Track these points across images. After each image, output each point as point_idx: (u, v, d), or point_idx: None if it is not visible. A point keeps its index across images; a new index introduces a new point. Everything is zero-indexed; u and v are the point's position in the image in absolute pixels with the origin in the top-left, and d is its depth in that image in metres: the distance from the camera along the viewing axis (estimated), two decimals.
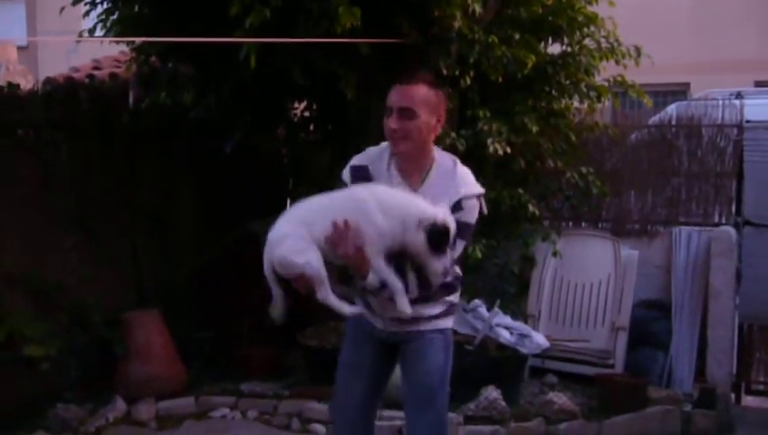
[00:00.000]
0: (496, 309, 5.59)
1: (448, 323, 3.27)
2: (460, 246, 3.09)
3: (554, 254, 6.15)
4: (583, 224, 6.77)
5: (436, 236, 2.90)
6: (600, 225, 6.76)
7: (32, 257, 5.62)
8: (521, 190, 5.63)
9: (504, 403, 5.21)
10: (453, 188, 3.07)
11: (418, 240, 2.90)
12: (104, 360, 5.82)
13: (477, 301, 5.60)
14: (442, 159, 3.16)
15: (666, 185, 6.75)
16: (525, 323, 5.83)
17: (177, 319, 6.05)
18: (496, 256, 5.96)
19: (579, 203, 6.41)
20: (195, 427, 5.44)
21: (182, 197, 6.79)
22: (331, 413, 3.55)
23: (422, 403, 3.19)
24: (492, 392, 5.22)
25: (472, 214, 3.08)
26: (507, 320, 5.64)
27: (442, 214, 2.92)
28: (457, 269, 3.21)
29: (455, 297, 3.25)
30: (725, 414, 5.48)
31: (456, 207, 3.03)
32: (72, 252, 5.93)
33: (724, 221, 6.41)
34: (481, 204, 3.13)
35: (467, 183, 3.10)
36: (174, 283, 6.40)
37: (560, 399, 5.35)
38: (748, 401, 6.36)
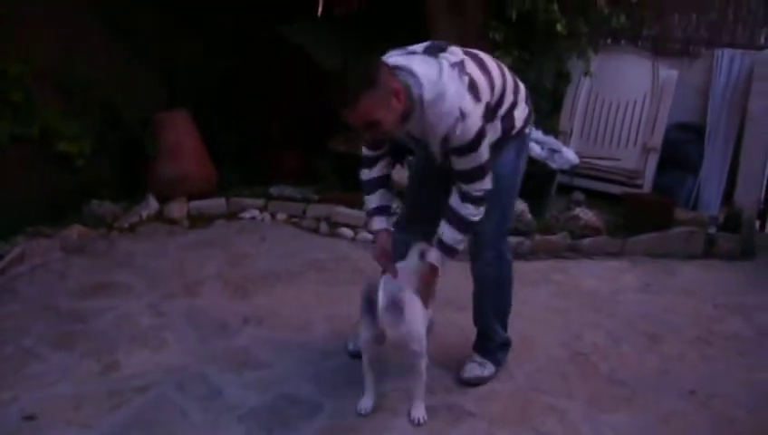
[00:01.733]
0: None
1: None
2: (477, 155, 3.01)
3: (586, 73, 6.04)
4: (622, 41, 6.59)
5: None
6: (639, 43, 6.57)
7: (62, 54, 5.56)
8: (555, 6, 5.46)
9: (530, 216, 5.26)
10: (431, 130, 2.98)
11: None
12: (136, 159, 5.91)
13: None
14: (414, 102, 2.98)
15: (711, 5, 6.49)
16: (557, 139, 5.78)
17: (207, 121, 6.07)
18: (530, 71, 5.84)
19: (618, 19, 6.18)
20: (225, 227, 5.58)
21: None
22: (404, 207, 3.79)
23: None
24: (519, 205, 5.25)
25: (465, 133, 2.93)
26: (539, 135, 5.58)
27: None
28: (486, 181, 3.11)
29: None
30: (749, 239, 5.49)
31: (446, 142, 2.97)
32: (103, 49, 5.89)
33: None
34: (464, 111, 2.92)
35: (440, 119, 2.93)
36: (205, 84, 6.38)
37: (586, 215, 5.38)
38: None
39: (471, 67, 3.01)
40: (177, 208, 5.67)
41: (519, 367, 3.72)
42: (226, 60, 6.57)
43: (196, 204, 5.75)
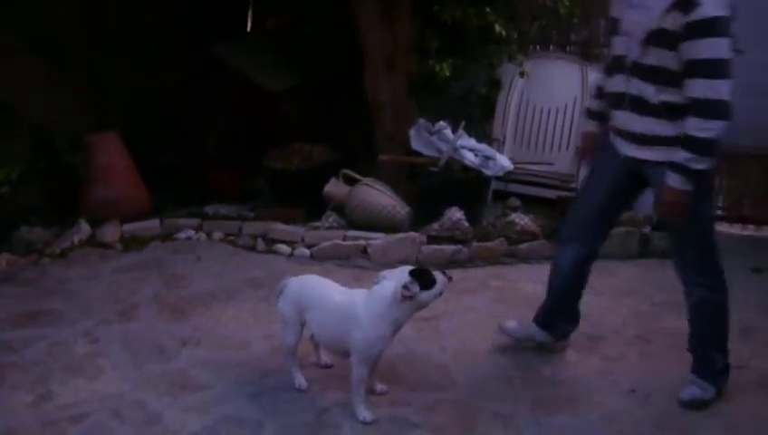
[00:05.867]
0: (461, 131, 5.55)
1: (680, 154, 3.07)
2: (705, 46, 2.92)
3: (522, 74, 6.09)
4: (551, 47, 6.67)
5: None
6: (568, 48, 6.65)
7: None
8: (488, 9, 5.53)
9: (467, 224, 5.27)
10: None
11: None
12: (67, 183, 5.78)
13: (442, 123, 5.55)
14: None
15: None
16: (490, 146, 5.81)
17: (139, 143, 5.96)
18: (463, 78, 5.88)
19: (547, 24, 6.27)
20: (160, 248, 5.46)
21: (145, 17, 6.52)
22: (569, 213, 3.81)
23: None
24: (455, 213, 5.27)
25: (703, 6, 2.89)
26: (472, 142, 5.61)
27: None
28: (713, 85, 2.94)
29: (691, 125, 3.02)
30: None
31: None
32: (31, 72, 5.75)
33: None
34: None
35: None
36: (136, 106, 6.27)
37: (522, 220, 5.41)
38: None
39: None
40: (110, 232, 5.54)
41: (462, 375, 3.72)
42: (157, 78, 6.46)
43: (129, 227, 5.63)
